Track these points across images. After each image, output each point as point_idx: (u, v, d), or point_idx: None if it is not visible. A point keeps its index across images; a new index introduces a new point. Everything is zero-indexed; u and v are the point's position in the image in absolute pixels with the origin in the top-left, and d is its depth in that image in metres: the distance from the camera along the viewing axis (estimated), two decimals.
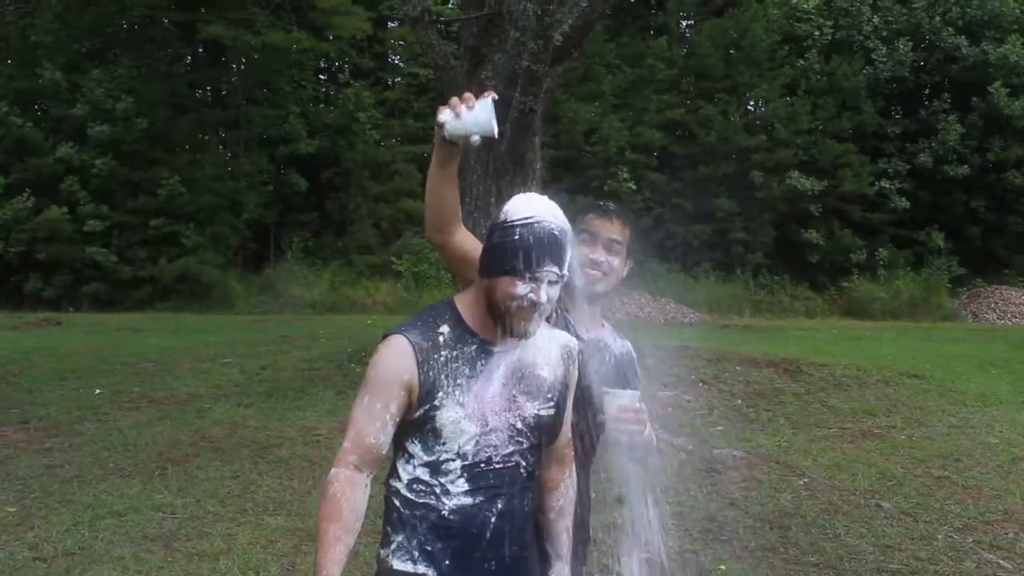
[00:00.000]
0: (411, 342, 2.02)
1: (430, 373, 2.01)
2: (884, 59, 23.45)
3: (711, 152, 22.82)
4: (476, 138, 2.09)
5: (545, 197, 2.10)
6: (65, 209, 19.20)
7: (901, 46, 23.20)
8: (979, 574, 4.56)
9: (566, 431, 2.20)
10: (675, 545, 4.88)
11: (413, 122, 23.16)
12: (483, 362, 2.06)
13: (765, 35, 23.20)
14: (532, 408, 2.07)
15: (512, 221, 2.04)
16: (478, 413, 2.01)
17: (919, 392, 9.23)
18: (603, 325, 2.57)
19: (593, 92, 22.43)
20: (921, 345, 13.51)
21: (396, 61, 25.45)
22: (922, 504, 5.68)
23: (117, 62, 20.87)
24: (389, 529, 2.07)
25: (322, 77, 25.49)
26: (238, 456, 6.46)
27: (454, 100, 2.10)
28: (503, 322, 2.03)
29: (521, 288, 1.99)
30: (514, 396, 2.06)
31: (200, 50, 23.38)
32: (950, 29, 23.24)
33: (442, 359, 2.03)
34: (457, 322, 2.09)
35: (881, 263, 22.66)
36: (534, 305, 2.00)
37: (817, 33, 24.15)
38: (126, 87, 20.18)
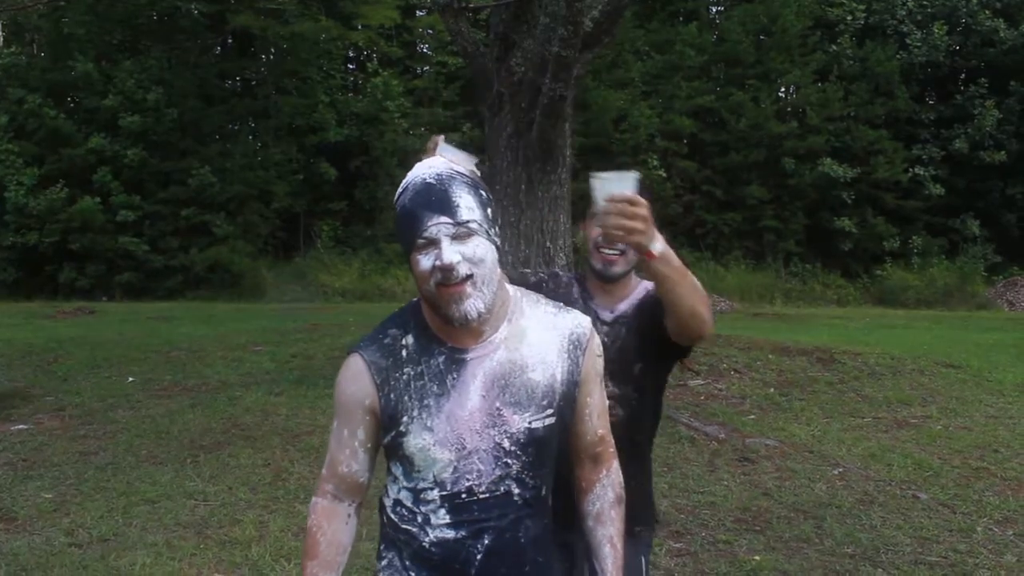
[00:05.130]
0: (367, 362, 1.78)
1: (391, 396, 1.76)
2: (918, 43, 23.10)
3: (742, 139, 22.62)
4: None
5: (436, 157, 1.80)
6: (98, 199, 19.46)
7: (936, 30, 22.84)
8: (1021, 568, 4.47)
9: (593, 428, 1.90)
10: (708, 535, 4.84)
11: (442, 110, 23.16)
12: (455, 375, 1.75)
13: (796, 20, 22.93)
14: (521, 421, 1.75)
15: (395, 201, 1.79)
16: (452, 436, 1.73)
17: (955, 381, 9.08)
18: (634, 292, 2.50)
19: (623, 79, 22.30)
20: (956, 334, 13.31)
21: (424, 49, 25.43)
22: (960, 495, 5.58)
23: (148, 53, 21.06)
24: (382, 546, 1.89)
25: (351, 66, 25.57)
26: (269, 444, 6.49)
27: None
28: (440, 313, 1.72)
29: (424, 261, 1.68)
30: (498, 409, 1.74)
31: (229, 40, 23.48)
32: (987, 12, 22.83)
33: (405, 377, 1.76)
34: (422, 330, 1.80)
35: (915, 251, 22.38)
36: (449, 273, 1.66)
37: (850, 18, 23.83)
38: (156, 78, 20.38)
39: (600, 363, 1.90)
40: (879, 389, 8.70)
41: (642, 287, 2.51)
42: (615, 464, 1.98)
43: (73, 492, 5.47)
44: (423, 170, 1.75)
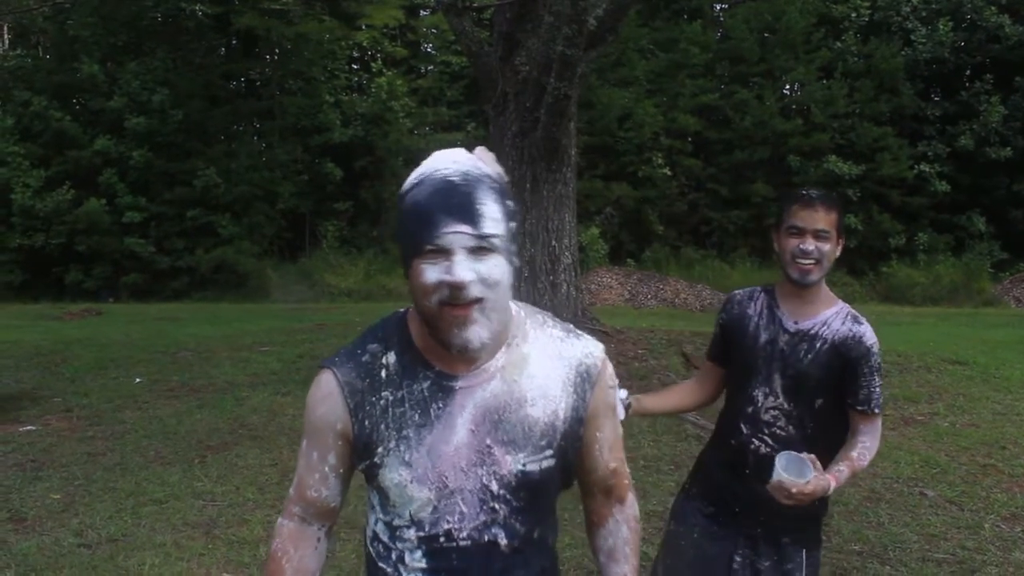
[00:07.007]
0: (340, 382, 1.55)
1: (366, 422, 1.53)
2: (923, 40, 23.02)
3: (747, 137, 22.59)
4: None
5: (460, 149, 1.53)
6: (104, 201, 19.51)
7: (941, 26, 22.77)
8: None
9: (604, 462, 1.68)
10: None
11: (446, 110, 23.18)
12: (440, 404, 1.52)
13: (801, 17, 22.87)
14: (514, 463, 1.52)
15: (403, 192, 1.49)
16: (432, 474, 1.50)
17: (962, 379, 9.05)
18: (825, 311, 2.56)
19: (627, 77, 22.29)
20: (962, 331, 13.27)
21: (429, 49, 25.45)
22: (967, 493, 5.57)
23: (152, 55, 21.10)
24: None
25: (355, 66, 25.58)
26: (276, 444, 6.50)
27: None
28: (437, 337, 1.48)
29: (430, 273, 1.41)
30: (488, 447, 1.51)
31: (234, 41, 23.52)
32: (993, 7, 22.75)
33: (382, 403, 1.53)
34: (406, 348, 1.56)
35: (921, 248, 22.31)
36: (459, 292, 1.40)
37: (854, 14, 23.76)
38: (161, 79, 20.42)
39: (613, 395, 1.66)
40: (885, 386, 8.62)
41: (834, 309, 2.57)
42: (630, 497, 1.79)
43: (81, 493, 5.48)
44: (445, 163, 1.46)
